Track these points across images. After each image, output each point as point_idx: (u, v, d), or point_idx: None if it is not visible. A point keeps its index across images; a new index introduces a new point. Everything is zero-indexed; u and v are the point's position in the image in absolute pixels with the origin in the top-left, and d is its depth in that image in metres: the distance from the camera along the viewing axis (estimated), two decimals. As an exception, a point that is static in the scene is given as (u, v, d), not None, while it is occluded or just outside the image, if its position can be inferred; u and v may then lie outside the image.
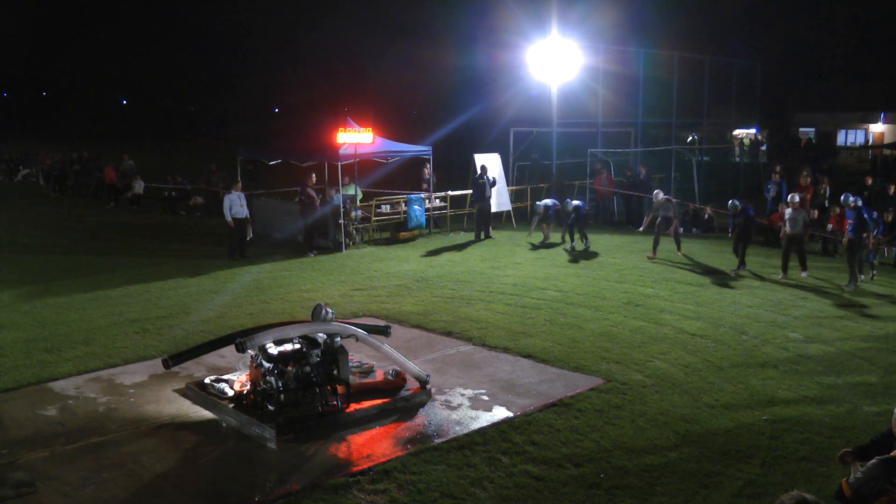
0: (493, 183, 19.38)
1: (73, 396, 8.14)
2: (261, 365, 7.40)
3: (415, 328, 10.73)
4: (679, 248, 16.14)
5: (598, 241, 17.87)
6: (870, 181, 19.34)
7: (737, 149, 34.06)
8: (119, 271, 14.59)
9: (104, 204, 25.63)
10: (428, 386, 8.09)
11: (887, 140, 47.02)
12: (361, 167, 18.80)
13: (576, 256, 16.34)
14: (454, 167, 26.31)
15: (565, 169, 24.75)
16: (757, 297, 12.54)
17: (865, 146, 46.38)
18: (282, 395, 7.24)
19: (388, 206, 19.45)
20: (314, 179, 17.41)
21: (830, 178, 19.99)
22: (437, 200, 20.40)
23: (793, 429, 7.25)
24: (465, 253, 16.93)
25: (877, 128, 50.52)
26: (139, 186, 25.63)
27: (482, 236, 18.80)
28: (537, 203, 18.68)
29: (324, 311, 7.64)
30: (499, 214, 20.90)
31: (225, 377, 8.20)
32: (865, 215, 13.26)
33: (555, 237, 18.14)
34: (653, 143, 27.51)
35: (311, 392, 7.37)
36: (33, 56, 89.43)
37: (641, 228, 18.08)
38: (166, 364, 7.45)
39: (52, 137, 52.26)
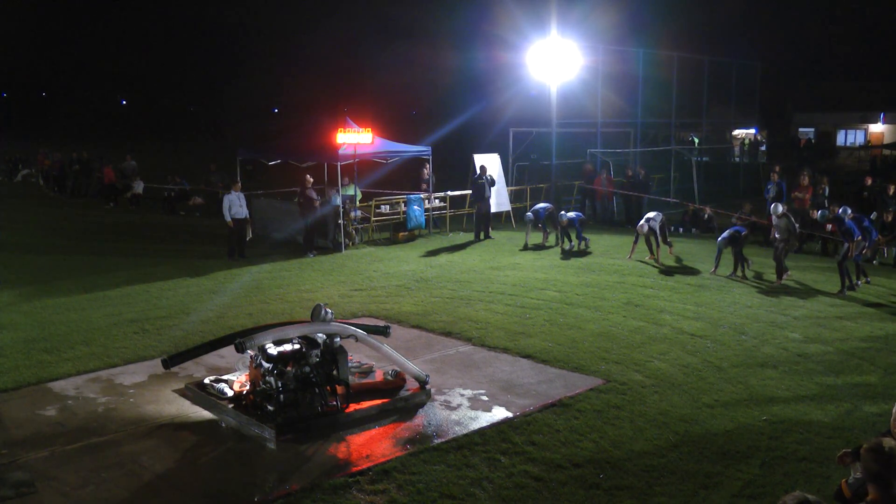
0: (493, 183, 19.38)
1: (73, 396, 8.14)
2: (260, 365, 7.40)
3: (414, 328, 10.72)
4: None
5: (597, 241, 17.87)
6: (869, 181, 19.35)
7: (736, 149, 34.07)
8: (118, 271, 14.59)
9: (104, 204, 25.62)
10: (427, 386, 8.09)
11: (887, 140, 47.07)
12: (361, 167, 18.81)
13: (575, 257, 16.34)
14: (453, 168, 26.30)
15: (565, 169, 24.75)
16: (756, 297, 12.54)
17: (864, 147, 46.42)
18: (281, 396, 7.24)
19: (388, 207, 19.46)
20: (311, 180, 17.38)
21: (830, 177, 19.99)
22: (437, 201, 20.40)
23: (792, 429, 7.25)
24: (465, 253, 16.93)
25: (876, 128, 50.56)
26: (139, 186, 25.65)
27: (481, 236, 18.80)
28: (527, 214, 18.22)
29: (323, 312, 7.64)
30: (498, 215, 20.89)
31: (224, 377, 8.20)
32: (848, 224, 13.14)
33: (550, 240, 18.08)
34: (652, 143, 27.52)
35: (311, 392, 7.37)
36: (33, 56, 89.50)
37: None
38: (166, 364, 7.46)
39: (52, 137, 52.23)
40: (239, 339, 7.07)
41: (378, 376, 8.22)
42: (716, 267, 14.25)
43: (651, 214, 15.58)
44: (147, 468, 6.54)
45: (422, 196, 19.60)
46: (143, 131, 68.06)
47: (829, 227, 15.13)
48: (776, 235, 13.89)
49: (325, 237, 17.57)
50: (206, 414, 7.68)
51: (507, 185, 22.16)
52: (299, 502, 5.96)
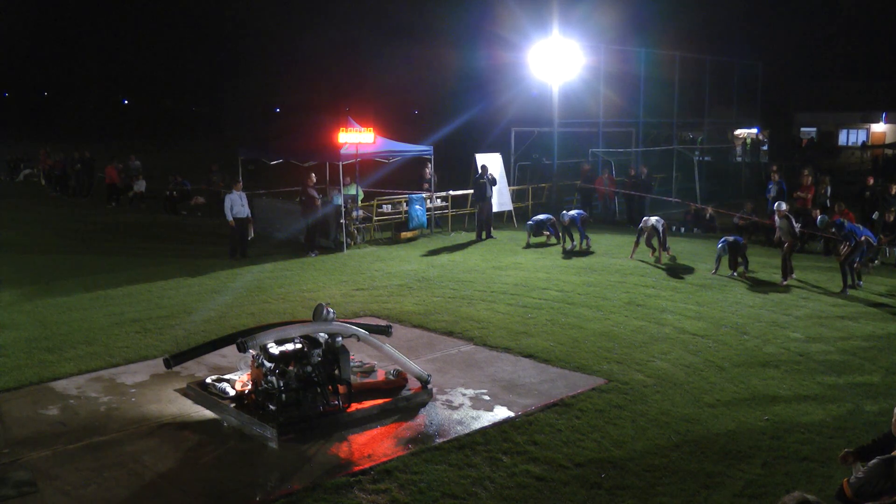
0: (494, 182, 19.37)
1: (75, 396, 8.15)
2: (262, 364, 7.41)
3: (416, 328, 10.73)
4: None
5: (599, 241, 17.87)
6: (871, 181, 19.33)
7: (738, 148, 34.06)
8: (120, 271, 14.60)
9: (105, 204, 25.64)
10: (429, 386, 8.09)
11: (889, 140, 47.03)
12: (363, 167, 18.80)
13: (577, 256, 16.34)
14: (455, 167, 26.30)
15: (566, 169, 24.74)
16: (758, 297, 12.54)
17: (863, 147, 46.39)
18: (283, 395, 7.24)
19: (390, 206, 19.45)
20: (314, 179, 17.40)
21: (831, 177, 19.98)
22: (439, 200, 20.40)
23: (794, 429, 7.25)
24: (467, 253, 16.93)
25: (878, 127, 50.51)
26: (140, 186, 25.66)
27: (483, 236, 18.80)
28: (527, 223, 18.15)
29: (325, 311, 7.64)
30: (500, 214, 20.89)
31: (226, 377, 8.20)
32: (849, 227, 13.13)
33: (552, 238, 18.07)
34: (654, 142, 27.52)
35: (313, 392, 7.37)
36: (34, 56, 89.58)
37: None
38: (168, 364, 7.46)
39: (54, 137, 52.26)
40: (241, 338, 7.08)
41: (380, 376, 8.23)
42: (716, 268, 14.26)
43: (654, 218, 15.63)
44: (149, 467, 6.54)
45: (423, 195, 19.61)
46: (145, 131, 68.03)
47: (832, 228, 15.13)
48: (780, 236, 13.89)
49: (326, 237, 17.58)
50: (208, 413, 7.69)
51: (509, 185, 22.16)
52: (301, 502, 5.96)
